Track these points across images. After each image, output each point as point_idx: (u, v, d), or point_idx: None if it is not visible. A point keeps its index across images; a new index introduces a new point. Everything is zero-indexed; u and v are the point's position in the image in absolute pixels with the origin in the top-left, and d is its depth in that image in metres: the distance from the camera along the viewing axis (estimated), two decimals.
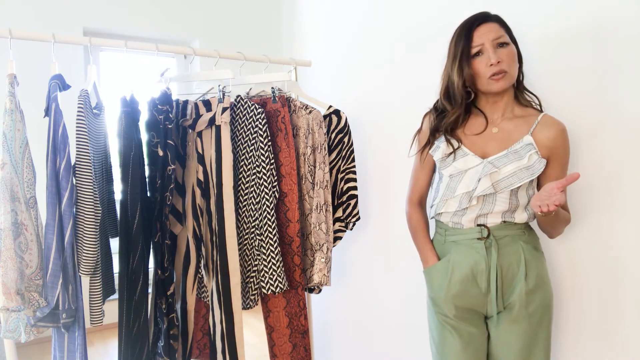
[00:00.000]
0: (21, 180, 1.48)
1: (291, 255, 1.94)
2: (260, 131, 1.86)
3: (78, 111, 1.54)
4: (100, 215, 1.56)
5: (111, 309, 3.14)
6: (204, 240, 1.85)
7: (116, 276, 1.74)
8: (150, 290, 1.73)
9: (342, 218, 2.05)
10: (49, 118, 1.51)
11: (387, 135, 2.23)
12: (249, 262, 1.91)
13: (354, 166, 2.06)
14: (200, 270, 1.90)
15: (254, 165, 1.88)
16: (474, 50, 1.32)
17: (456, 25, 1.38)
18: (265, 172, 1.86)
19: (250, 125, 1.88)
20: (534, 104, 1.40)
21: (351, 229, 2.10)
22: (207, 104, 1.87)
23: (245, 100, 1.91)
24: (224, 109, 1.79)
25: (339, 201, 2.05)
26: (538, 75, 1.56)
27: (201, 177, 1.82)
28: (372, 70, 2.32)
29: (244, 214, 1.91)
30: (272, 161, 1.86)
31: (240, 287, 1.78)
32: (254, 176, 1.89)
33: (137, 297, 1.67)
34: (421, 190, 1.54)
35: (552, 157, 1.32)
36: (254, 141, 1.88)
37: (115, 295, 1.75)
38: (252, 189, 1.89)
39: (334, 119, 2.04)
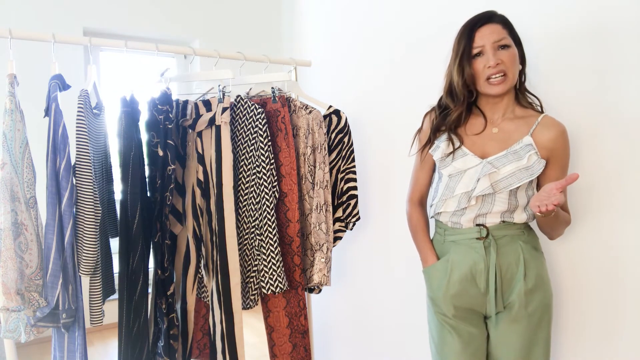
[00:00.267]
0: (21, 180, 1.49)
1: (291, 255, 1.94)
2: (260, 131, 1.86)
3: (78, 111, 1.54)
4: (100, 215, 1.56)
5: (111, 309, 3.13)
6: (204, 240, 1.85)
7: (116, 276, 1.74)
8: (150, 290, 1.73)
9: (342, 218, 2.05)
10: (49, 118, 1.51)
11: (387, 135, 2.23)
12: (249, 262, 1.91)
13: (354, 166, 2.06)
14: (200, 270, 1.90)
15: (254, 165, 1.88)
16: (474, 51, 1.32)
17: (456, 25, 1.38)
18: (265, 172, 1.86)
19: (250, 125, 1.88)
20: (535, 105, 1.40)
21: (351, 229, 2.10)
22: (207, 104, 1.87)
23: (245, 100, 1.91)
24: (224, 109, 1.79)
25: (339, 201, 2.05)
26: (538, 75, 1.56)
27: (201, 177, 1.82)
28: (372, 70, 2.32)
29: (244, 214, 1.91)
30: (272, 161, 1.86)
31: (240, 287, 1.78)
32: (254, 176, 1.89)
33: (137, 297, 1.67)
34: (421, 190, 1.54)
35: (551, 158, 1.32)
36: (254, 141, 1.88)
37: (115, 295, 1.75)
38: (252, 189, 1.89)
39: (334, 119, 2.04)
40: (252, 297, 1.90)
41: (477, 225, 1.36)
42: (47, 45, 1.74)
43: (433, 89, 1.76)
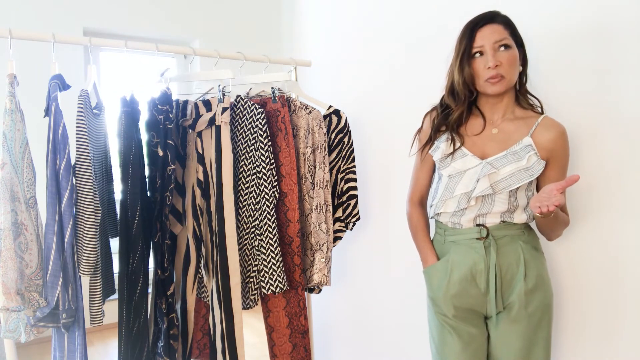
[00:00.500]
0: (21, 180, 1.49)
1: (291, 255, 1.94)
2: (260, 131, 1.86)
3: (78, 111, 1.54)
4: (100, 215, 1.56)
5: (111, 309, 3.14)
6: (204, 240, 1.85)
7: (116, 276, 1.74)
8: (150, 290, 1.73)
9: (342, 218, 2.05)
10: (49, 118, 1.51)
11: (387, 135, 2.23)
12: (249, 262, 1.91)
13: (354, 166, 2.06)
14: (200, 270, 1.90)
15: (254, 165, 1.88)
16: (474, 51, 1.32)
17: (457, 25, 1.38)
18: (265, 172, 1.86)
19: (250, 125, 1.88)
20: (535, 107, 1.40)
21: (351, 229, 2.10)
22: (207, 104, 1.87)
23: (245, 100, 1.91)
24: (224, 109, 1.79)
25: (339, 201, 2.05)
26: (538, 75, 1.56)
27: (201, 177, 1.82)
28: (372, 70, 2.32)
29: (244, 214, 1.91)
30: (272, 161, 1.86)
31: (240, 287, 1.78)
32: (254, 176, 1.89)
33: (137, 297, 1.67)
34: (421, 190, 1.54)
35: (551, 159, 1.32)
36: (254, 141, 1.88)
37: (115, 295, 1.75)
38: (252, 189, 1.89)
39: (334, 119, 2.04)
40: (252, 297, 1.90)
41: (477, 225, 1.36)
42: (47, 45, 1.74)
43: (433, 89, 1.76)
